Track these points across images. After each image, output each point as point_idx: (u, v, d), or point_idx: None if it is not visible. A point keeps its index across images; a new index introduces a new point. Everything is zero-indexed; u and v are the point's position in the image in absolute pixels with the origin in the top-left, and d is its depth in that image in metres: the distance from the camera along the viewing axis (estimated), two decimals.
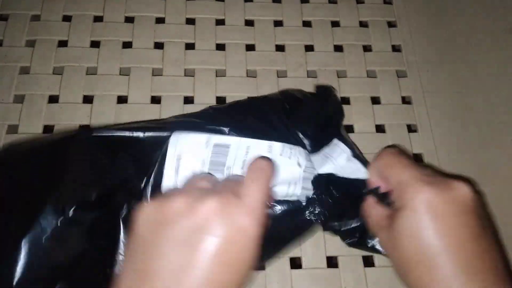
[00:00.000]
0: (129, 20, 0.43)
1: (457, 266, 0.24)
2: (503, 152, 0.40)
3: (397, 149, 0.31)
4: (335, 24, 0.45)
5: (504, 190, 0.39)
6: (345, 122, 0.39)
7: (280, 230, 0.31)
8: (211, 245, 0.21)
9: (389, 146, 0.33)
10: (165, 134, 0.30)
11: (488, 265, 0.24)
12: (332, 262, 0.35)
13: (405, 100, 0.42)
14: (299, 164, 0.31)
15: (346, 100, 0.41)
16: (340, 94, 0.41)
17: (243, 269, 0.22)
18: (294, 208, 0.31)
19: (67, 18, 0.42)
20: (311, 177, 0.32)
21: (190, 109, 0.39)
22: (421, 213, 0.25)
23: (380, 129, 0.40)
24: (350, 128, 0.40)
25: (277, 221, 0.30)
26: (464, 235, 0.25)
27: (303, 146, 0.33)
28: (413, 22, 0.46)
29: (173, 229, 0.22)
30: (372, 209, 0.30)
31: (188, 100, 0.40)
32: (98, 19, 0.42)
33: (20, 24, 0.41)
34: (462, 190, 0.26)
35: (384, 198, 0.30)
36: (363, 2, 0.46)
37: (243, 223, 0.22)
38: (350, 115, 0.40)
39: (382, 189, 0.30)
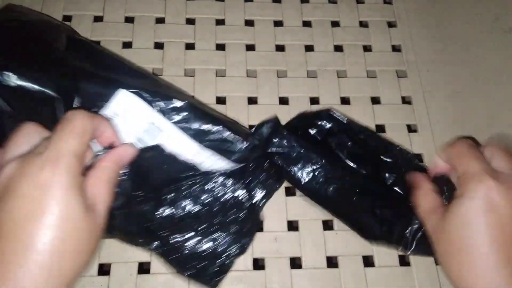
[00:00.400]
0: (129, 20, 0.43)
1: (501, 260, 0.25)
2: None
3: (470, 141, 0.31)
4: (335, 24, 0.45)
5: None
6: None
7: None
8: (11, 206, 0.22)
9: (464, 137, 0.33)
10: (112, 87, 0.30)
11: None
12: (332, 262, 0.35)
13: (405, 100, 0.42)
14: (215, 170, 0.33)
15: (346, 100, 0.41)
16: (340, 94, 0.41)
17: (56, 220, 0.22)
18: None
19: (67, 18, 0.42)
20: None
21: None
22: (478, 203, 0.26)
23: (380, 129, 0.40)
24: None
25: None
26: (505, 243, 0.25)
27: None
28: (413, 22, 0.46)
29: None
30: (428, 196, 0.31)
31: None
32: (98, 19, 0.42)
33: None
34: None
35: (443, 186, 0.31)
36: (363, 2, 0.46)
37: (39, 177, 0.22)
38: (351, 115, 0.40)
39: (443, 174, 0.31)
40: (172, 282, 0.33)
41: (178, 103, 0.31)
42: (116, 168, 0.27)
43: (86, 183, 0.24)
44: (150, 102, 0.30)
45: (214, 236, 0.33)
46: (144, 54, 0.41)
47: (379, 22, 0.45)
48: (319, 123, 0.37)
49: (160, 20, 0.43)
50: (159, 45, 0.42)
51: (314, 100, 0.41)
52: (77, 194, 0.23)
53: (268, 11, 0.45)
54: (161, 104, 0.31)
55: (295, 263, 0.35)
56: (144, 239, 0.32)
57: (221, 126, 0.32)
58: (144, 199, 0.31)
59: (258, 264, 0.34)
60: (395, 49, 0.45)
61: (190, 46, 0.42)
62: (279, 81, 0.41)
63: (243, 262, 0.34)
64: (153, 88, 0.31)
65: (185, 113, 0.31)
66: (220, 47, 0.42)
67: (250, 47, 0.43)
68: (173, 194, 0.32)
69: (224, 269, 0.33)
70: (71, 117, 0.25)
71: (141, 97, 0.30)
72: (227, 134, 0.32)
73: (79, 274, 0.23)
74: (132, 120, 0.30)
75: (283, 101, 0.41)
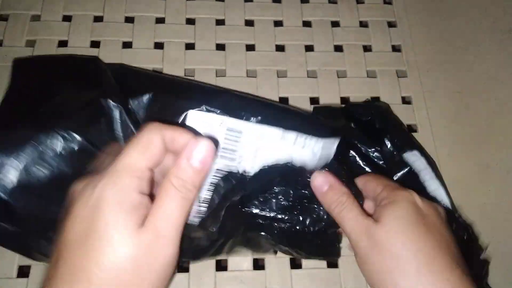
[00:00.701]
0: (129, 20, 0.43)
1: (445, 264, 0.25)
2: (503, 152, 0.40)
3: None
4: (335, 24, 0.45)
5: (504, 190, 0.39)
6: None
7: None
8: (66, 228, 0.21)
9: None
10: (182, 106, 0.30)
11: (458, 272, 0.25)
12: (332, 262, 0.35)
13: (405, 100, 0.42)
14: (313, 153, 0.31)
15: (346, 100, 0.41)
16: (340, 94, 0.41)
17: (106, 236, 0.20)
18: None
19: (67, 18, 0.42)
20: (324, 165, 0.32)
21: None
22: (412, 208, 0.27)
23: None
24: None
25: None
26: (440, 242, 0.26)
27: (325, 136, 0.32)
28: (413, 22, 0.46)
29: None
30: (358, 213, 0.28)
31: None
32: (98, 19, 0.42)
33: (20, 24, 0.41)
34: (438, 207, 0.29)
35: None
36: (363, 2, 0.46)
37: (91, 195, 0.21)
38: None
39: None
40: (171, 282, 0.33)
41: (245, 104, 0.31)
42: (192, 186, 0.23)
43: (153, 202, 0.22)
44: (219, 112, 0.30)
45: (321, 213, 0.32)
46: (144, 54, 0.41)
47: (379, 22, 0.45)
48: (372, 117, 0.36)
49: (160, 20, 0.43)
50: (159, 45, 0.42)
51: (314, 100, 0.41)
52: (127, 213, 0.20)
53: (268, 11, 0.45)
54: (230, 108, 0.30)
55: (295, 263, 0.35)
56: (264, 240, 0.32)
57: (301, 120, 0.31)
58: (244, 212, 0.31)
59: (258, 264, 0.34)
60: (395, 49, 0.45)
61: (190, 46, 0.42)
62: (279, 81, 0.41)
63: (243, 262, 0.34)
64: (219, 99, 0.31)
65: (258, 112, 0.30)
66: (220, 47, 0.42)
67: (250, 47, 0.43)
68: (272, 200, 0.32)
69: (339, 237, 0.33)
70: (141, 131, 0.23)
71: (208, 110, 0.30)
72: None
73: None
74: (209, 134, 0.29)
75: (283, 101, 0.41)
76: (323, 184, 0.29)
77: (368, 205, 0.30)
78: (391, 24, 0.46)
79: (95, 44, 0.41)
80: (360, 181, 0.31)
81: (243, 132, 0.30)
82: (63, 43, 0.41)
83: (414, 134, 0.40)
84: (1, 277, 0.32)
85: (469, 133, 0.40)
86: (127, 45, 0.41)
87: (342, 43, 0.44)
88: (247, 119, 0.30)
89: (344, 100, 0.41)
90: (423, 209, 0.27)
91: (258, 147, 0.30)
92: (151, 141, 0.22)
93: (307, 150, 0.31)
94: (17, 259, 0.32)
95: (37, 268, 0.32)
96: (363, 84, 0.42)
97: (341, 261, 0.35)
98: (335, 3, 0.46)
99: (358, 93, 0.41)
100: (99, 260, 0.19)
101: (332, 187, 0.29)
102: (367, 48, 0.44)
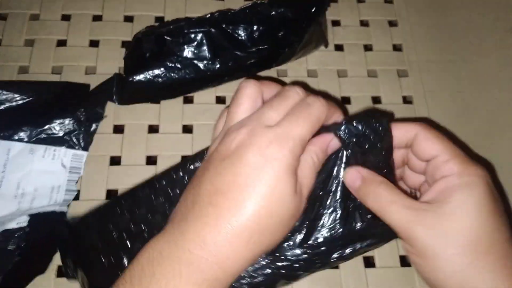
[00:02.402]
0: (129, 19, 0.43)
1: None
2: (503, 152, 0.40)
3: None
4: (335, 23, 0.45)
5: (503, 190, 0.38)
6: None
7: None
8: (236, 169, 0.23)
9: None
10: None
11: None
12: None
13: (406, 100, 0.42)
14: (63, 165, 0.34)
15: (346, 100, 0.41)
16: (340, 93, 0.41)
17: (271, 196, 0.22)
18: None
19: (66, 17, 0.42)
20: (76, 179, 0.34)
21: (190, 109, 0.39)
22: (491, 190, 0.24)
23: None
24: None
25: None
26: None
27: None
28: (414, 21, 0.46)
29: (211, 164, 0.24)
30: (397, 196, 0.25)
31: (188, 100, 0.40)
32: (97, 18, 0.42)
33: (19, 23, 0.41)
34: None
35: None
36: (363, 2, 0.46)
37: (265, 150, 0.23)
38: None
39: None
40: None
41: None
42: (322, 155, 0.26)
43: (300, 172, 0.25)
44: None
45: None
46: None
47: (380, 21, 0.45)
48: None
49: (159, 19, 0.43)
50: None
51: None
52: (292, 175, 0.23)
53: None
54: None
55: None
56: None
57: None
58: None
59: None
60: (396, 48, 0.44)
61: None
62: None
63: None
64: None
65: None
66: None
67: None
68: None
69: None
70: (312, 103, 0.25)
71: None
72: None
73: (268, 250, 0.24)
74: None
75: None
76: (355, 180, 0.26)
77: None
78: (392, 23, 0.46)
79: (94, 43, 0.41)
80: (405, 133, 0.27)
81: None
82: (62, 43, 0.41)
83: None
84: None
85: (469, 132, 0.40)
86: (126, 44, 0.41)
87: (343, 42, 0.44)
88: None
89: (344, 99, 0.41)
90: (495, 192, 0.24)
91: (8, 161, 0.33)
92: (321, 120, 0.25)
93: (57, 161, 0.34)
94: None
95: None
96: (364, 84, 0.42)
97: None
98: (336, 2, 0.46)
99: (359, 93, 0.41)
100: (266, 207, 0.22)
101: (365, 180, 0.26)
102: (368, 48, 0.44)
